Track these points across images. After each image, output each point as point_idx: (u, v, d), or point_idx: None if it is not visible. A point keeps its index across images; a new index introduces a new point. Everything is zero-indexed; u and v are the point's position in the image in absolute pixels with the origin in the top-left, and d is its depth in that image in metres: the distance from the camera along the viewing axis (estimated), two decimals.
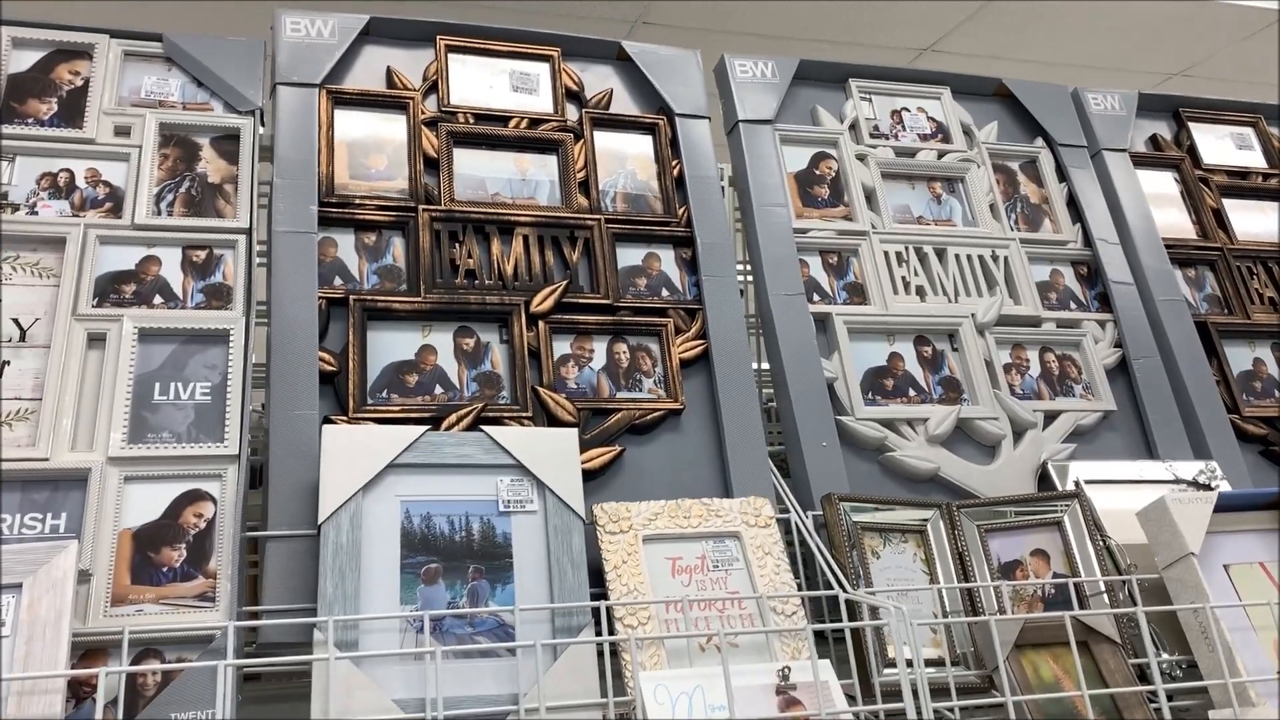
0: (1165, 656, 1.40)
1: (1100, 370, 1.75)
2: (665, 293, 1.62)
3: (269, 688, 1.26)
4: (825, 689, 1.21)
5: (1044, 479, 1.61)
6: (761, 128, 1.78)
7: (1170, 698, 1.44)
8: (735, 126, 1.78)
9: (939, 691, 1.30)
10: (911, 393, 1.65)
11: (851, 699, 1.25)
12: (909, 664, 1.17)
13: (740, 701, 1.18)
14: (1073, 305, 1.82)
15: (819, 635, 1.35)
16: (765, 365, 1.68)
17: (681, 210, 1.67)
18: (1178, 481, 1.65)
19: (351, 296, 1.45)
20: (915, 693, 1.14)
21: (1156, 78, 5.95)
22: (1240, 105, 2.17)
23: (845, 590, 1.30)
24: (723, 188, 1.78)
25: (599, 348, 1.55)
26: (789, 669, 1.20)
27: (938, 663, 1.35)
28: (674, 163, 1.71)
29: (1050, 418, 1.68)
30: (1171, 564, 1.41)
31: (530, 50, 1.73)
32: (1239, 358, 1.87)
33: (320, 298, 1.43)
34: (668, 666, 1.24)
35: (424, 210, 1.54)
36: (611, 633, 1.23)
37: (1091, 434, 1.70)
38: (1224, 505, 1.46)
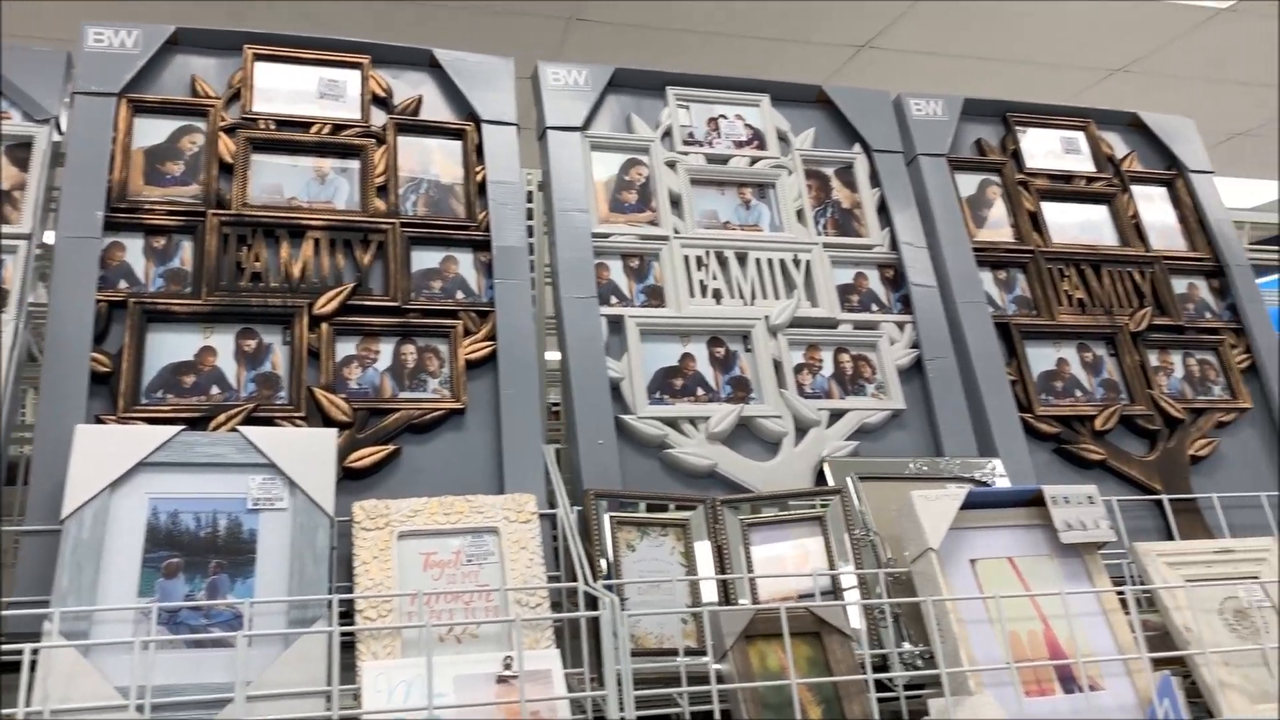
0: (907, 647, 1.46)
1: (893, 370, 1.80)
2: (460, 295, 1.67)
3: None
4: (545, 677, 1.27)
5: (821, 476, 1.67)
6: (570, 135, 1.83)
7: (922, 686, 1.51)
8: (545, 133, 1.83)
9: (675, 679, 1.36)
10: (700, 392, 1.71)
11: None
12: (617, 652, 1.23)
13: (460, 689, 1.24)
14: (874, 307, 1.88)
15: (574, 625, 1.42)
16: None
17: (482, 215, 1.72)
18: (956, 479, 1.70)
19: (132, 299, 1.50)
20: (619, 681, 1.20)
21: (1097, 74, 6.01)
22: (1070, 110, 2.23)
23: (587, 583, 1.36)
24: (530, 193, 1.84)
25: (385, 349, 1.60)
26: (510, 658, 1.26)
27: (695, 653, 1.42)
28: (478, 168, 1.76)
29: (837, 416, 1.74)
30: (916, 558, 1.47)
31: (339, 58, 1.78)
32: (1042, 358, 1.92)
33: (100, 300, 1.48)
34: (401, 656, 1.30)
35: (213, 214, 1.59)
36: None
37: (879, 432, 1.76)
38: (977, 502, 1.51)
